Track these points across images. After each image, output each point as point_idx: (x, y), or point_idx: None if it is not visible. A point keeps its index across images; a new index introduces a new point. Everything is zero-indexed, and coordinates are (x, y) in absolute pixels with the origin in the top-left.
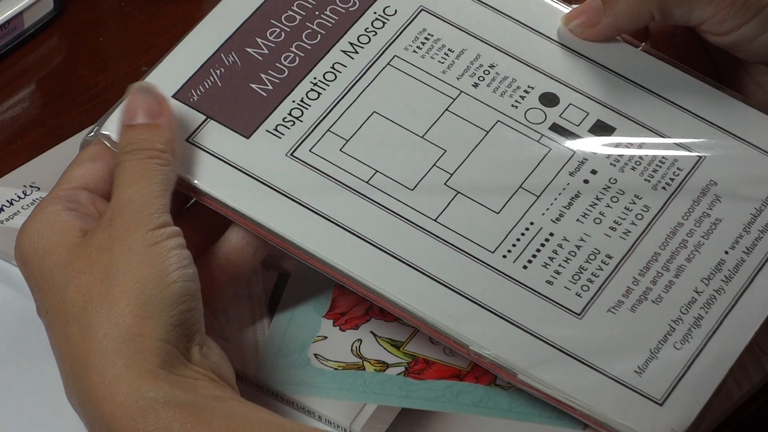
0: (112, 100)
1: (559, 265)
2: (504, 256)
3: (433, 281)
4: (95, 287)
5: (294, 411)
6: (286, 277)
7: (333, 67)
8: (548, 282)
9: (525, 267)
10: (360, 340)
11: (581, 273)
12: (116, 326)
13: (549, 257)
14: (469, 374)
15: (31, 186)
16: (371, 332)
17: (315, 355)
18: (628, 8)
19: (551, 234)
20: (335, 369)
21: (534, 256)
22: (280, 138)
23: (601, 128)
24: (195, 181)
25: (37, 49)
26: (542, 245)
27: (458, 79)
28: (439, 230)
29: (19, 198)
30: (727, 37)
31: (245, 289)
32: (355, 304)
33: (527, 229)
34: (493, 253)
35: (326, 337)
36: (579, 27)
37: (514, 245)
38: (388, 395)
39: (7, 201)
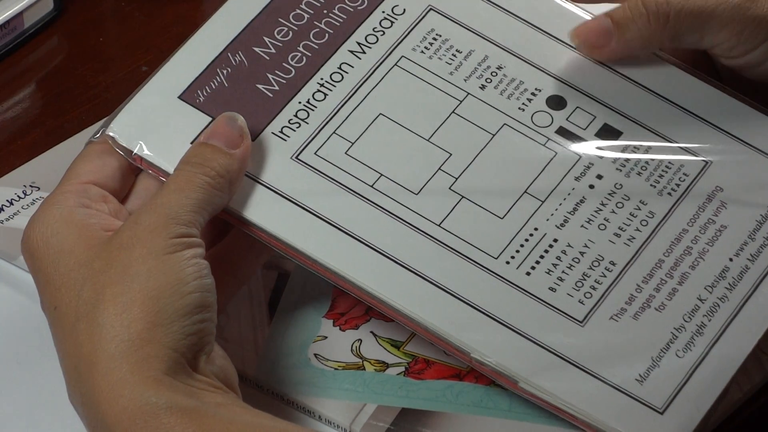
0: (113, 99)
1: (563, 271)
2: (507, 263)
3: (435, 287)
4: (110, 287)
5: (294, 411)
6: (286, 277)
7: (340, 68)
8: (551, 289)
9: (528, 273)
10: (360, 340)
11: (584, 280)
12: (127, 330)
13: (552, 264)
14: (469, 374)
15: (31, 186)
16: (371, 332)
17: (315, 355)
18: (640, 35)
19: (555, 240)
20: (335, 369)
21: (537, 262)
22: (285, 141)
23: (607, 132)
24: None
25: (37, 49)
26: (546, 251)
27: (465, 80)
28: (442, 235)
29: (19, 198)
30: (736, 60)
31: (245, 289)
32: (355, 304)
33: (531, 234)
34: (496, 259)
35: (326, 337)
36: (586, 46)
37: (517, 251)
38: (388, 395)
39: (7, 201)
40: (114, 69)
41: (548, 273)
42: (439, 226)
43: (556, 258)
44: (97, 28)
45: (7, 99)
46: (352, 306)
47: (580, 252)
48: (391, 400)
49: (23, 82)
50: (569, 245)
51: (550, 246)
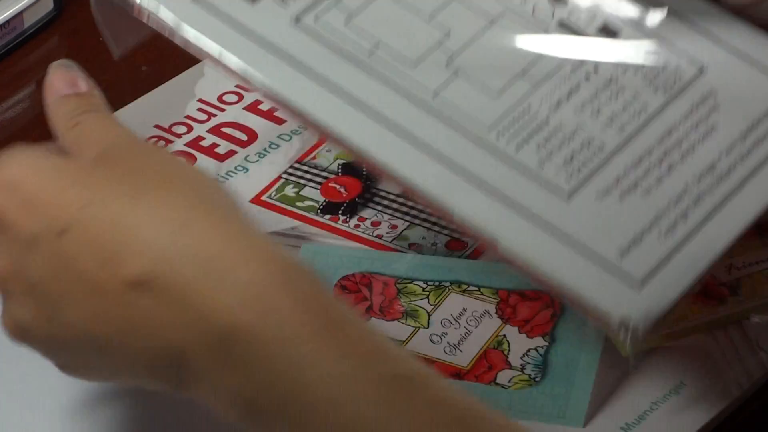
0: (113, 99)
1: (552, 150)
2: (498, 137)
3: (424, 152)
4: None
5: None
6: None
7: None
8: (540, 165)
9: (518, 148)
10: None
11: (574, 159)
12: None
13: (544, 140)
14: (469, 373)
15: None
16: None
17: None
18: None
19: (548, 120)
20: None
21: (528, 138)
22: (285, 5)
23: (606, 31)
24: (203, 43)
25: (37, 49)
26: (538, 129)
27: None
28: (438, 105)
29: None
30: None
31: None
32: (355, 304)
33: (524, 113)
34: (488, 132)
35: None
36: None
37: (509, 127)
38: None
39: None
40: (113, 69)
41: (538, 149)
42: (434, 98)
43: (547, 136)
44: (96, 28)
45: (6, 99)
46: (352, 305)
47: (571, 132)
48: None
49: (23, 82)
50: (561, 125)
51: (543, 124)
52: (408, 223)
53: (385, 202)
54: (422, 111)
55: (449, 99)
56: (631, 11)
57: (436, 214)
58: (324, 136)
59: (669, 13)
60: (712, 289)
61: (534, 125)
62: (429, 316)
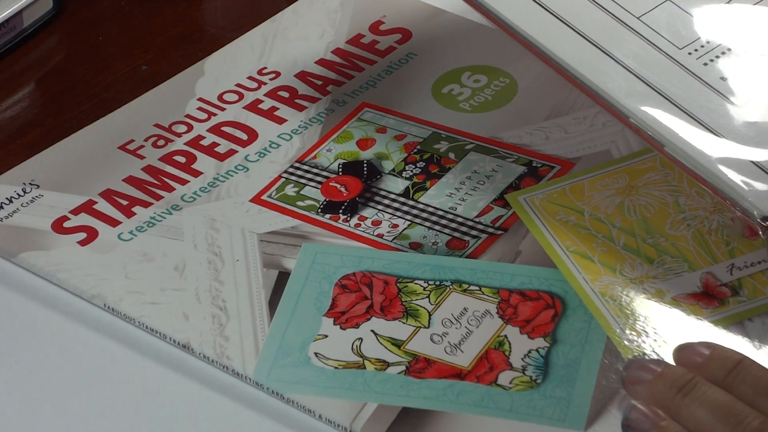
0: (112, 99)
1: (737, 72)
2: (689, 54)
3: (618, 64)
4: None
5: (294, 410)
6: (286, 276)
7: None
8: (722, 78)
9: (705, 65)
10: (360, 339)
11: (756, 78)
12: None
13: (729, 62)
14: (470, 374)
15: (30, 184)
16: (372, 331)
17: (315, 353)
18: None
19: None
20: (335, 368)
21: (716, 57)
22: None
23: None
24: None
25: (36, 48)
26: (727, 50)
27: None
28: (638, 26)
29: (18, 196)
30: None
31: (245, 288)
32: (356, 303)
33: (715, 41)
34: (680, 49)
35: (326, 336)
36: None
37: (701, 46)
38: (388, 394)
39: (6, 199)
40: (113, 68)
41: (722, 69)
42: (638, 18)
43: (736, 58)
44: (96, 27)
45: (6, 98)
46: (352, 305)
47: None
48: (392, 400)
49: (22, 82)
50: (747, 51)
51: (729, 50)
52: (409, 223)
53: (386, 202)
54: (625, 29)
55: (651, 23)
56: None
57: (617, 119)
58: (523, 42)
59: None
60: (714, 290)
61: (721, 50)
62: (430, 315)
